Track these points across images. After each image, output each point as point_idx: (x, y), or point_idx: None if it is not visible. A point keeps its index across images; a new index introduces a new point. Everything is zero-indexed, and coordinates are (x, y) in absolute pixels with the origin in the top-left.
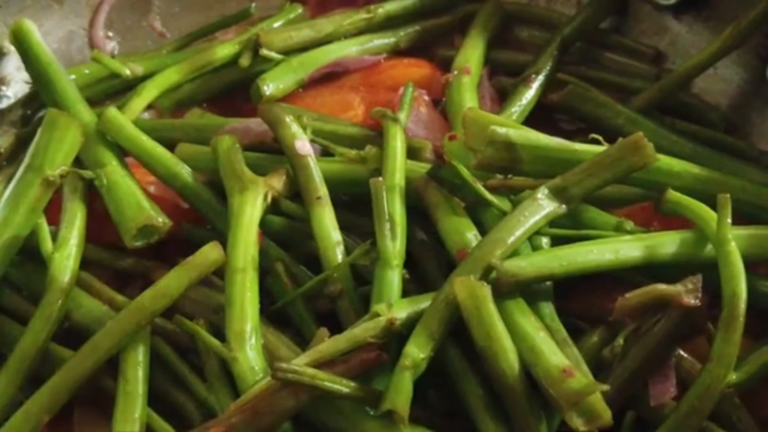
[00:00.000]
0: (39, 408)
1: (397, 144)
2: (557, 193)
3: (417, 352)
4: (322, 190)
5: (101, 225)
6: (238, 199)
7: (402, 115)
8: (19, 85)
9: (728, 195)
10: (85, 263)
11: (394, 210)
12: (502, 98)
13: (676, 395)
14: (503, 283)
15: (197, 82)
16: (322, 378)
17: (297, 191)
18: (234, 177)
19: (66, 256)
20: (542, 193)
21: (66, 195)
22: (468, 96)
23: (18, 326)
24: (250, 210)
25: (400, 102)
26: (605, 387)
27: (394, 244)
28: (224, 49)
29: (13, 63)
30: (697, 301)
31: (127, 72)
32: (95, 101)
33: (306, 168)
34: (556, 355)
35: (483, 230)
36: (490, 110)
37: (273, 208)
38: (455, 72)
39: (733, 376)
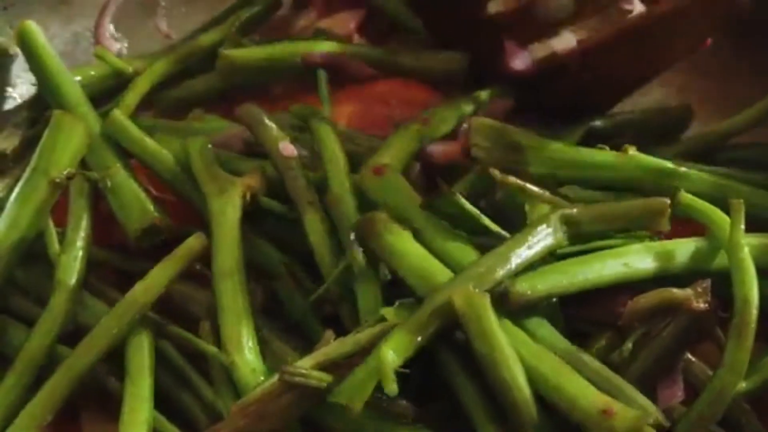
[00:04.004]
0: (42, 407)
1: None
2: (568, 224)
3: (393, 355)
4: (312, 195)
5: (107, 227)
6: (217, 203)
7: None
8: (25, 87)
9: (741, 200)
10: (92, 265)
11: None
12: None
13: (683, 399)
14: (514, 303)
15: (198, 81)
16: (327, 380)
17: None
18: (210, 180)
19: (73, 257)
20: (554, 221)
21: (72, 197)
22: None
23: (25, 328)
24: (230, 212)
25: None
26: (655, 415)
27: None
28: (209, 36)
29: (20, 65)
30: (707, 305)
31: (130, 69)
32: (100, 100)
33: (292, 171)
34: (588, 393)
35: None
36: None
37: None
38: None
39: (743, 384)
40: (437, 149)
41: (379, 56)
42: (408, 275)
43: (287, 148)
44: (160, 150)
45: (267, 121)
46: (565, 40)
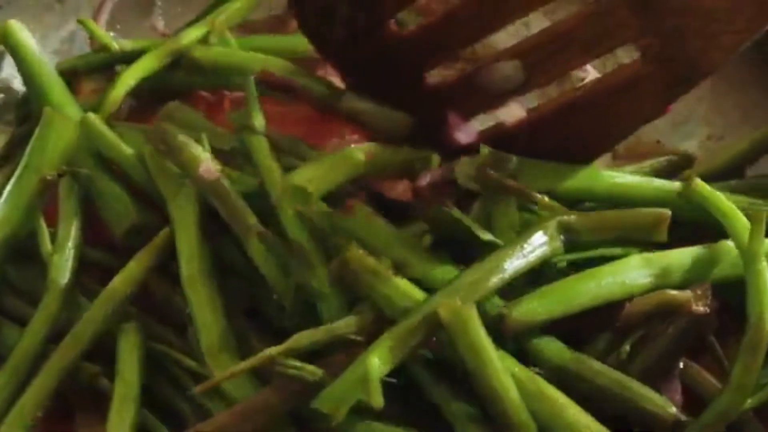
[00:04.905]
0: (32, 404)
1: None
2: (565, 232)
3: (379, 365)
4: (251, 215)
5: (99, 227)
6: (175, 203)
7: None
8: (20, 86)
9: (765, 211)
10: (84, 265)
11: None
12: None
13: (681, 404)
14: (512, 329)
15: (178, 73)
16: (315, 373)
17: None
18: (165, 179)
19: (65, 257)
20: (551, 229)
21: (62, 197)
22: None
23: (18, 328)
24: (190, 211)
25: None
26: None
27: None
28: (194, 32)
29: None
30: (706, 308)
31: (116, 45)
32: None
33: (223, 195)
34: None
35: None
36: None
37: None
38: None
39: (748, 401)
40: (388, 186)
41: (325, 95)
42: (394, 313)
43: (208, 171)
44: (132, 154)
45: (181, 139)
46: (513, 111)
